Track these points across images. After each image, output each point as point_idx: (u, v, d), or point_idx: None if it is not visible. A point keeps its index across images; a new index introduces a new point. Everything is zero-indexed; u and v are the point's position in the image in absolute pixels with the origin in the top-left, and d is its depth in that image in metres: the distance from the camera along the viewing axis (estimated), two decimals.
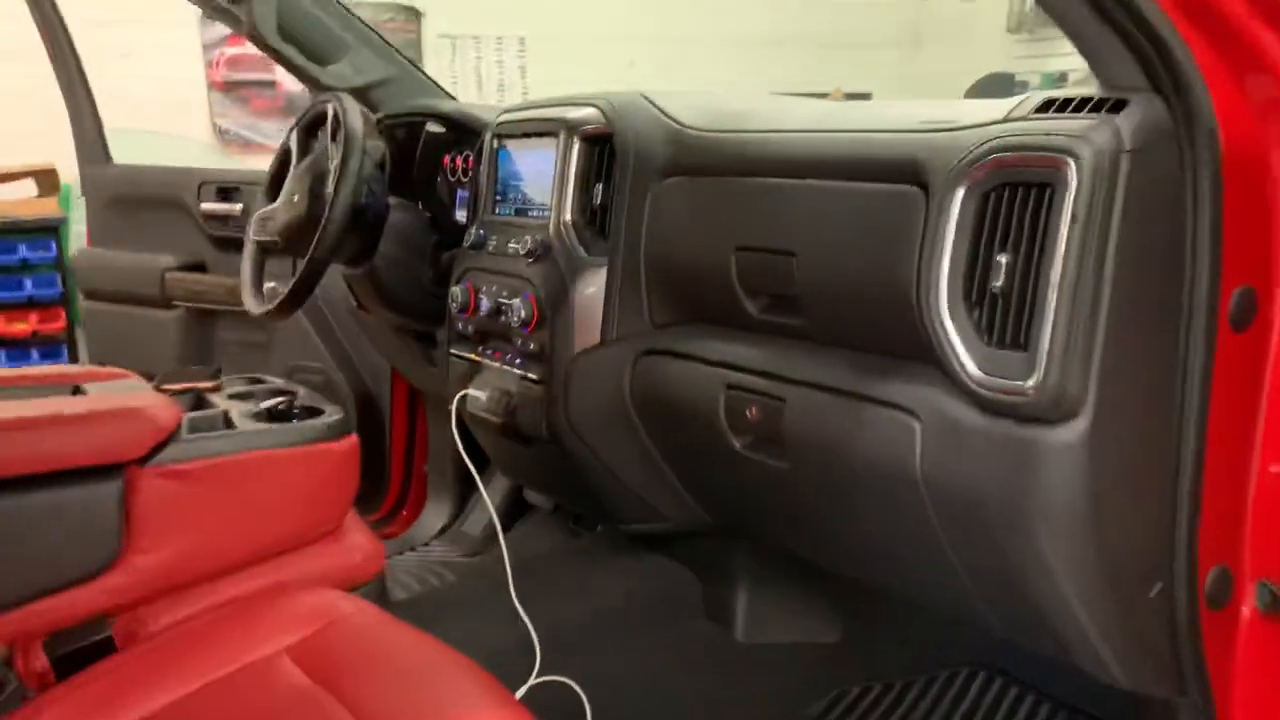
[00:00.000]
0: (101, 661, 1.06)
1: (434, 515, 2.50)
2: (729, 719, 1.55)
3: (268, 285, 1.68)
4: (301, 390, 1.53)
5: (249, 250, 1.70)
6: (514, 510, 2.21)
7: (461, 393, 1.57)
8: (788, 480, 1.24)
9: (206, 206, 2.45)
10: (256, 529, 1.34)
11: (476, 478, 1.58)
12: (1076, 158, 0.89)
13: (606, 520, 1.67)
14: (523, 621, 1.47)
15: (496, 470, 1.96)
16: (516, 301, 1.45)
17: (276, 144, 1.75)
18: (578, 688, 1.41)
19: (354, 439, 1.43)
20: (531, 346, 1.47)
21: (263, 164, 1.90)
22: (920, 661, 1.61)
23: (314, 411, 1.44)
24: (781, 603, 1.66)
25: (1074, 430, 0.92)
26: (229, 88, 4.73)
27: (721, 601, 1.66)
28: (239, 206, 2.40)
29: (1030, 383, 0.92)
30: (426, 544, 2.36)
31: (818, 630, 1.66)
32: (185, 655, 1.05)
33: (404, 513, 2.59)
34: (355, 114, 1.50)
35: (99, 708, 0.97)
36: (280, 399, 1.46)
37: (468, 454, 1.56)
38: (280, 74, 4.30)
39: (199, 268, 2.53)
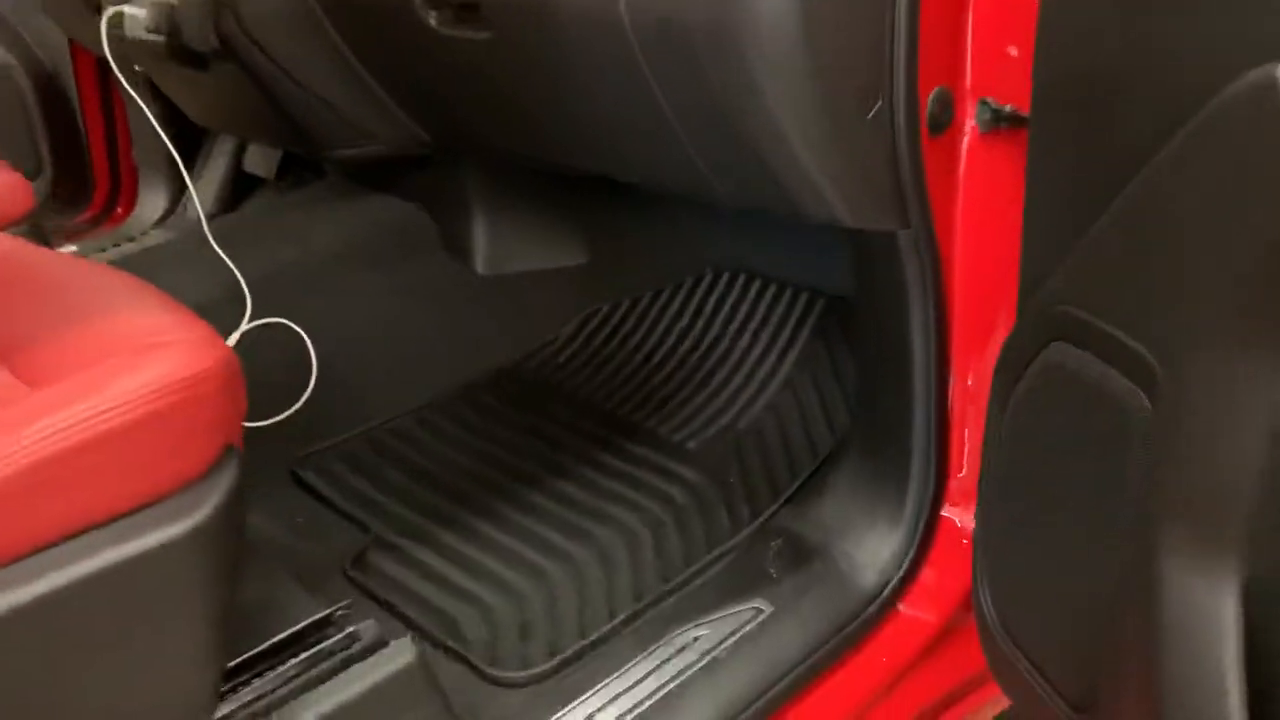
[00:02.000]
0: None
1: (151, 207, 2.22)
2: (474, 350, 1.48)
3: None
4: None
5: None
6: (236, 186, 1.98)
7: (114, 9, 1.31)
8: (493, 56, 1.09)
9: None
10: None
11: (175, 154, 1.35)
12: None
13: (309, 147, 1.48)
14: (231, 272, 1.31)
15: (187, 115, 1.72)
16: None
17: None
18: (299, 329, 1.28)
19: None
20: None
21: None
22: (667, 273, 1.57)
23: None
24: (522, 229, 1.56)
25: None
26: None
27: (457, 234, 1.54)
28: None
29: None
30: (145, 233, 2.12)
31: (563, 254, 1.58)
32: None
33: (118, 210, 2.30)
34: None
35: None
36: None
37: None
38: None
39: None
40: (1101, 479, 0.75)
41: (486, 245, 1.53)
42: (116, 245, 2.05)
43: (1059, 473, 0.81)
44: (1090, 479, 0.77)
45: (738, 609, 1.06)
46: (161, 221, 2.15)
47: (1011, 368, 0.86)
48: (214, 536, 0.75)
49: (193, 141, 2.01)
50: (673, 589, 1.10)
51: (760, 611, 1.06)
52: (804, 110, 0.90)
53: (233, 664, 0.82)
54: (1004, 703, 1.21)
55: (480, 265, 1.53)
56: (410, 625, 1.07)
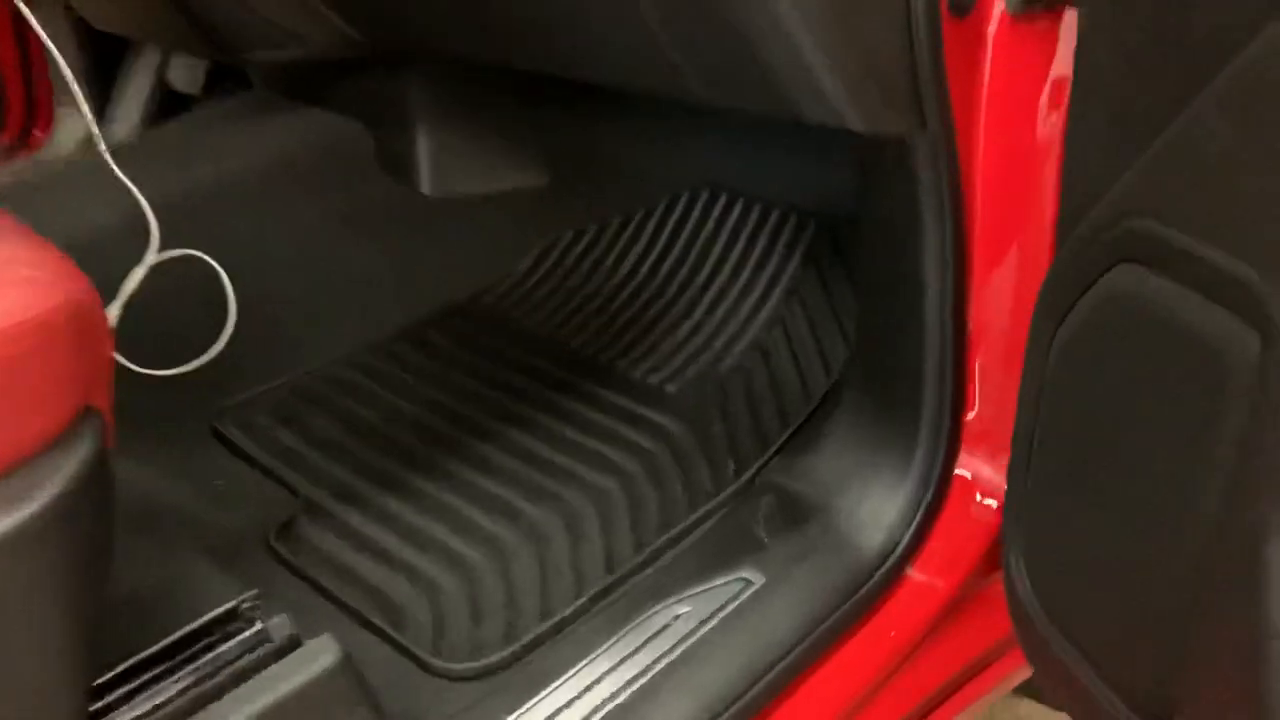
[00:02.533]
0: None
1: (68, 130, 2.02)
2: (420, 284, 1.31)
3: None
4: None
5: None
6: (163, 104, 1.78)
7: None
8: None
9: None
10: None
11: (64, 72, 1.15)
12: None
13: (224, 51, 1.29)
14: (134, 197, 1.12)
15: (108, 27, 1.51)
16: None
17: None
18: (214, 262, 1.11)
19: None
20: None
21: None
22: (638, 195, 1.40)
23: None
24: (473, 146, 1.38)
25: None
26: None
27: (399, 151, 1.36)
28: None
29: None
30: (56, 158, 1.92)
31: (520, 175, 1.40)
32: None
33: (36, 133, 2.09)
34: None
35: None
36: None
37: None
38: None
39: None
40: (1181, 438, 0.60)
41: (432, 164, 1.35)
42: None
43: (1122, 429, 0.66)
44: (1165, 438, 0.62)
45: (724, 580, 0.92)
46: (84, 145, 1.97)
47: (1057, 301, 0.70)
48: (65, 522, 0.59)
49: (115, 56, 1.81)
50: (648, 559, 0.95)
51: (749, 583, 0.92)
52: None
53: (106, 678, 0.67)
54: (1021, 676, 1.08)
55: (425, 187, 1.34)
56: (343, 608, 0.92)
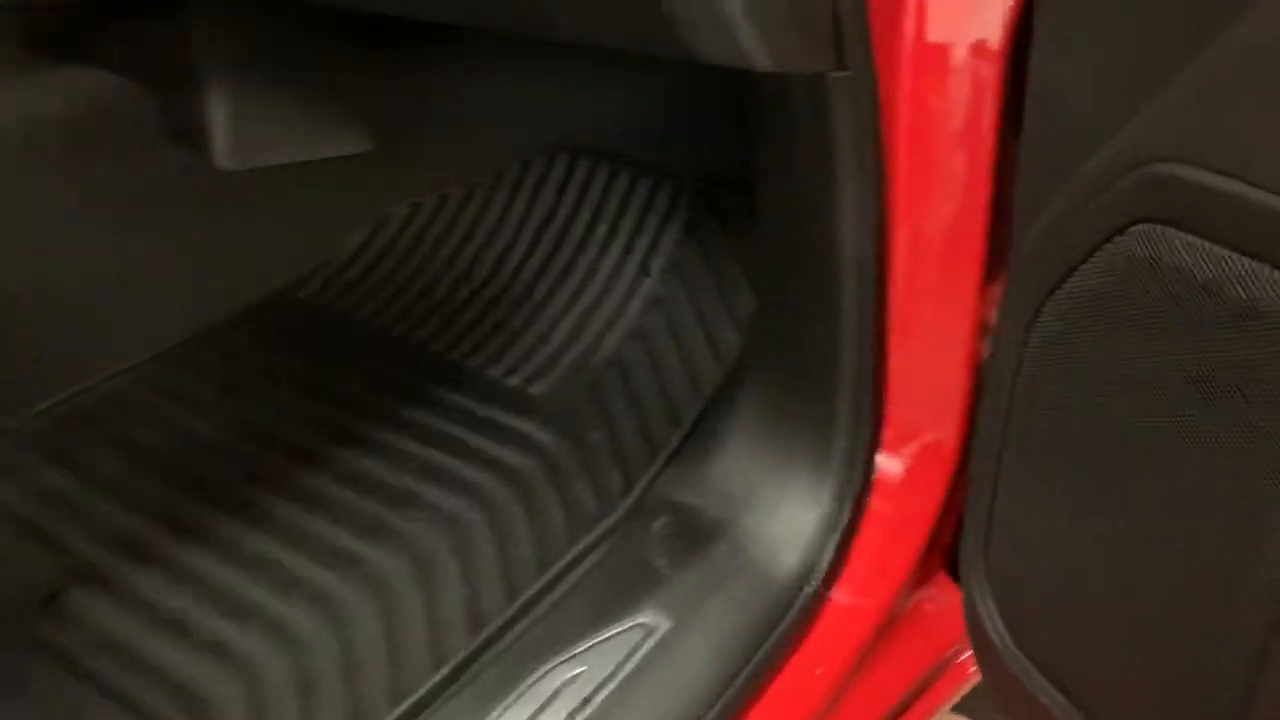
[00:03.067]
0: None
1: None
2: (220, 275, 1.09)
3: None
4: None
5: None
6: None
7: None
8: None
9: None
10: None
11: None
12: None
13: None
14: None
15: None
16: None
17: None
18: None
19: None
20: None
21: None
22: (484, 159, 1.20)
23: None
24: (278, 106, 1.14)
25: None
26: None
27: (186, 115, 1.12)
28: None
29: None
30: None
31: (338, 139, 1.18)
32: None
33: None
34: None
35: None
36: None
37: None
38: None
39: None
40: (1217, 447, 0.47)
41: (228, 130, 1.11)
42: None
43: (1132, 433, 0.52)
44: (1195, 447, 0.48)
45: (621, 628, 0.76)
46: None
47: (1042, 274, 0.56)
48: None
49: None
50: (524, 608, 0.77)
51: (651, 629, 0.75)
52: None
53: None
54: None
55: (221, 157, 1.11)
56: (128, 706, 0.70)
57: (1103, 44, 0.52)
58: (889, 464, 0.83)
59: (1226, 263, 0.45)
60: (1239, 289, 0.44)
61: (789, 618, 0.78)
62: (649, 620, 0.76)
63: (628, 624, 0.76)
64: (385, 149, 1.20)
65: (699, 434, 0.90)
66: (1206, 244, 0.45)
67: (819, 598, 0.81)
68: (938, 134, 0.72)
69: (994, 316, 0.81)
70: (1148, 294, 0.49)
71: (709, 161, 1.13)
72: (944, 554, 0.93)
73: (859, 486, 0.82)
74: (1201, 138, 0.45)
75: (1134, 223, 0.49)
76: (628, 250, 1.09)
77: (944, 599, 0.92)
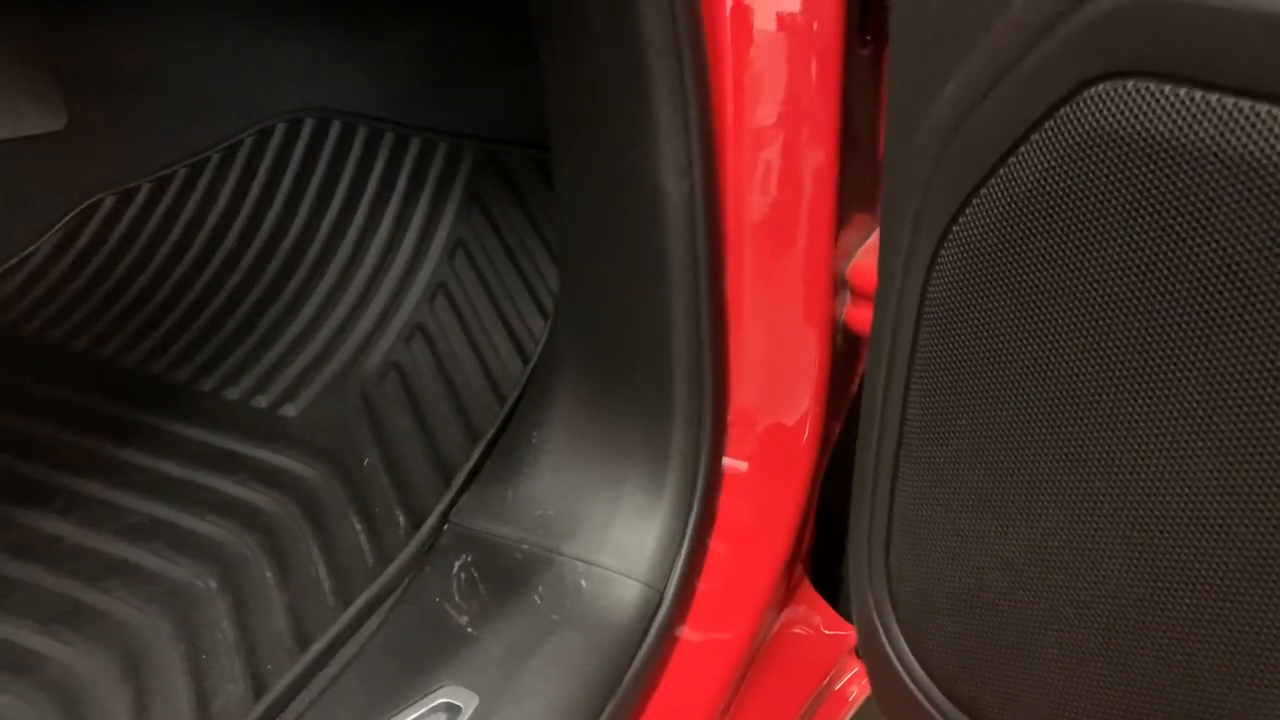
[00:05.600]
0: None
1: None
2: None
3: None
4: None
5: None
6: None
7: None
8: None
9: None
10: None
11: None
12: None
13: None
14: None
15: None
16: None
17: None
18: None
19: None
20: None
21: None
22: (208, 131, 0.98)
23: None
24: None
25: None
26: None
27: None
28: None
29: None
30: None
31: (24, 116, 0.93)
32: None
33: None
34: None
35: None
36: None
37: None
38: None
39: None
40: (1221, 399, 0.33)
41: None
42: None
43: (1096, 388, 0.37)
44: (1163, 402, 0.34)
45: (414, 713, 0.57)
46: None
47: (940, 195, 0.40)
48: None
49: None
50: (279, 701, 0.57)
51: (457, 709, 0.57)
52: None
53: None
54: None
55: None
56: None
57: None
58: (737, 462, 0.68)
59: (1225, 114, 0.30)
60: (1246, 143, 0.30)
61: (631, 674, 0.62)
62: (453, 696, 0.58)
63: (424, 707, 0.57)
64: (85, 124, 0.96)
65: (502, 448, 0.72)
66: (1198, 94, 0.31)
67: (667, 639, 0.65)
68: (773, 32, 0.56)
69: (854, 275, 0.68)
70: (1110, 182, 0.34)
71: (490, 119, 0.94)
72: (805, 563, 0.79)
73: (704, 491, 0.67)
74: None
75: (1084, 85, 0.34)
76: (398, 228, 0.89)
77: (813, 618, 0.78)
